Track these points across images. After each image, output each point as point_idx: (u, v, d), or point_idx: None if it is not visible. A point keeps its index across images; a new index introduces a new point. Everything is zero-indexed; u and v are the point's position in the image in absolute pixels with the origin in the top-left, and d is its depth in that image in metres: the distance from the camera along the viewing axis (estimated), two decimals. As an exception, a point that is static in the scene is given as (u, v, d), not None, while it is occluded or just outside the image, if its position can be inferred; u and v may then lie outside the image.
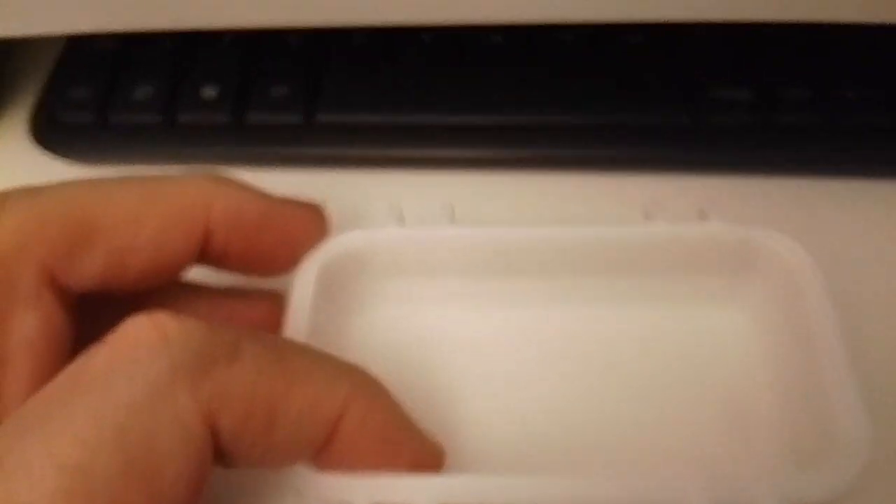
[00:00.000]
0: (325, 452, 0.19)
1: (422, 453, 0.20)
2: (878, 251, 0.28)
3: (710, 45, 0.32)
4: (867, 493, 0.21)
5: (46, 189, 0.20)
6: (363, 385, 0.19)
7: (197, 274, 0.23)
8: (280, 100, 0.31)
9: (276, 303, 0.23)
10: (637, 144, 0.30)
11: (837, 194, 0.29)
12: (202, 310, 0.23)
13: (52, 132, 0.32)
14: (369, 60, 0.32)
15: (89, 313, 0.21)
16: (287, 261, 0.23)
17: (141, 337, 0.16)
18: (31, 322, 0.19)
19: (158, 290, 0.22)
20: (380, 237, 0.24)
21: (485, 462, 0.23)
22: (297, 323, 0.22)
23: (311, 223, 0.23)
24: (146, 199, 0.20)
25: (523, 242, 0.24)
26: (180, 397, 0.16)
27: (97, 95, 0.32)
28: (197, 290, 0.24)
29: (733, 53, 0.31)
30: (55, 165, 0.32)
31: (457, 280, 0.25)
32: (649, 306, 0.25)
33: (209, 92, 0.32)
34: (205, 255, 0.22)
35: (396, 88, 0.31)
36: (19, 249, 0.19)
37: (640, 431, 0.23)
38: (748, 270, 0.24)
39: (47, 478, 0.14)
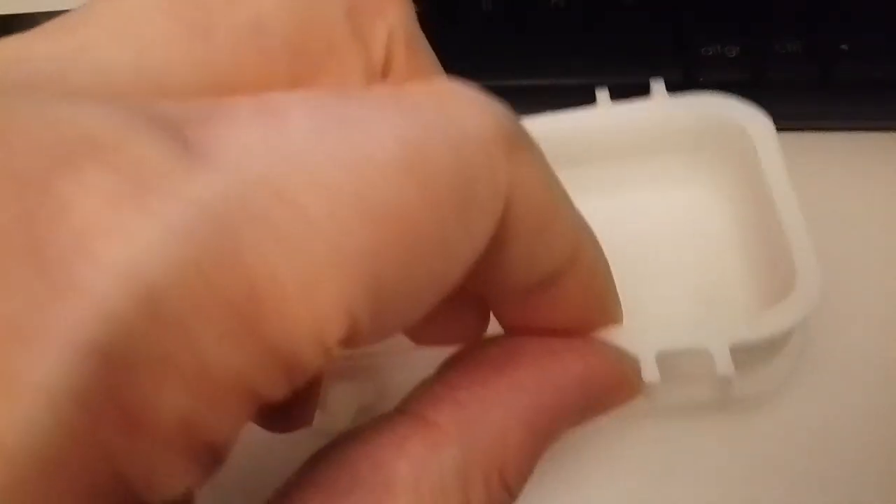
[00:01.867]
0: (532, 299, 0.17)
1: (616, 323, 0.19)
2: (870, 202, 0.28)
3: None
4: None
5: None
6: (592, 237, 0.17)
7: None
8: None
9: None
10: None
11: (832, 147, 0.29)
12: None
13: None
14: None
15: None
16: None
17: (459, 91, 0.14)
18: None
19: None
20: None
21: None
22: None
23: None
24: None
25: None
26: (500, 154, 0.14)
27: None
28: None
29: (724, 9, 0.31)
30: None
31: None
32: (612, 194, 0.25)
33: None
34: None
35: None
36: None
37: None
38: (706, 142, 0.24)
39: (389, 144, 0.12)
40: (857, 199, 0.28)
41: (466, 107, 0.14)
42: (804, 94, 0.29)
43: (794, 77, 0.29)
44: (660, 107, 0.23)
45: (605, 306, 0.18)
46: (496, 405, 0.16)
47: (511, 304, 0.18)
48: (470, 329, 0.19)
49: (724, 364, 0.19)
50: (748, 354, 0.20)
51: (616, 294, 0.19)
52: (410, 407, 0.16)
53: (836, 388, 0.24)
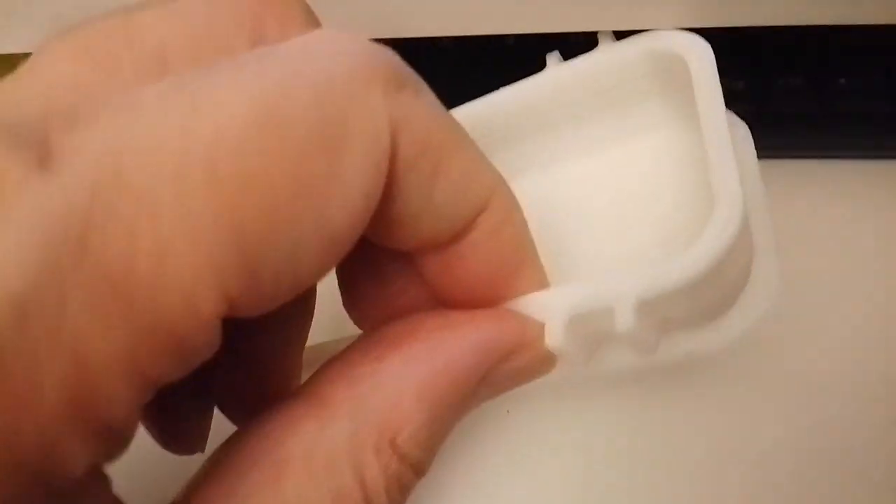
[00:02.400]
0: (449, 252, 0.17)
1: (537, 286, 0.18)
2: (861, 225, 0.27)
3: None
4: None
5: None
6: (506, 188, 0.17)
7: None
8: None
9: None
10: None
11: (831, 175, 0.28)
12: None
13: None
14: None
15: None
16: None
17: (338, 36, 0.15)
18: None
19: None
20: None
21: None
22: None
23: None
24: None
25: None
26: (375, 93, 0.14)
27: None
28: None
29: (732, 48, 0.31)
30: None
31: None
32: (582, 156, 0.24)
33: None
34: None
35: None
36: None
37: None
38: (657, 82, 0.22)
39: (237, 105, 0.12)
40: (847, 222, 0.27)
41: (336, 50, 0.14)
42: (804, 126, 0.29)
43: (794, 110, 0.29)
44: (606, 56, 0.22)
45: (522, 261, 0.18)
46: (388, 378, 0.16)
47: (430, 260, 0.17)
48: (413, 303, 0.19)
49: (623, 320, 0.17)
50: (681, 312, 0.19)
51: (535, 253, 0.18)
52: (307, 387, 0.16)
53: (782, 402, 0.24)
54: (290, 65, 0.14)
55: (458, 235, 0.17)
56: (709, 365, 0.24)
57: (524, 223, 0.18)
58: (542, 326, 0.18)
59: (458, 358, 0.16)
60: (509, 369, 0.17)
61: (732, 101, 0.28)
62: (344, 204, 0.14)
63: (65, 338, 0.11)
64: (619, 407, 0.24)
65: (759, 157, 0.27)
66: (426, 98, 0.15)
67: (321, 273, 0.14)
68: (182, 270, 0.12)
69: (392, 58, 0.15)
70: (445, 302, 0.18)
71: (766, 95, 0.29)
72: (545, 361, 0.18)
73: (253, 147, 0.12)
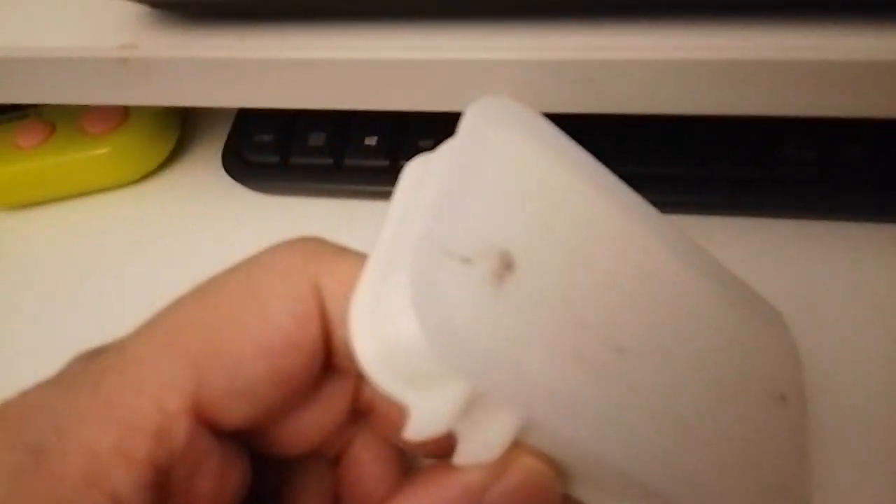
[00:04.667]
0: None
1: None
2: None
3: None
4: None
5: None
6: None
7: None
8: (425, 148, 0.38)
9: None
10: (720, 192, 0.36)
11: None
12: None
13: (240, 169, 0.41)
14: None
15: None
16: None
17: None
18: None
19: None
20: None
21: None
22: None
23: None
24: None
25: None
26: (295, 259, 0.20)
27: (278, 140, 0.40)
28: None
29: (800, 120, 0.37)
30: (244, 193, 0.40)
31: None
32: None
33: (369, 141, 0.39)
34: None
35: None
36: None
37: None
38: None
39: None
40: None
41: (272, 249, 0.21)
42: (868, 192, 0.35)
43: (860, 177, 0.35)
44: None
45: None
46: None
47: None
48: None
49: None
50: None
51: None
52: None
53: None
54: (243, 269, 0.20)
55: None
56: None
57: None
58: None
59: (450, 497, 0.18)
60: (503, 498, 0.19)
61: (799, 167, 0.35)
62: (270, 327, 0.18)
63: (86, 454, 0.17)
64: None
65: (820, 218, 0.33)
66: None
67: (272, 387, 0.19)
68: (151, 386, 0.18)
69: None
70: None
71: (834, 164, 0.35)
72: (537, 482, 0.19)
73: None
